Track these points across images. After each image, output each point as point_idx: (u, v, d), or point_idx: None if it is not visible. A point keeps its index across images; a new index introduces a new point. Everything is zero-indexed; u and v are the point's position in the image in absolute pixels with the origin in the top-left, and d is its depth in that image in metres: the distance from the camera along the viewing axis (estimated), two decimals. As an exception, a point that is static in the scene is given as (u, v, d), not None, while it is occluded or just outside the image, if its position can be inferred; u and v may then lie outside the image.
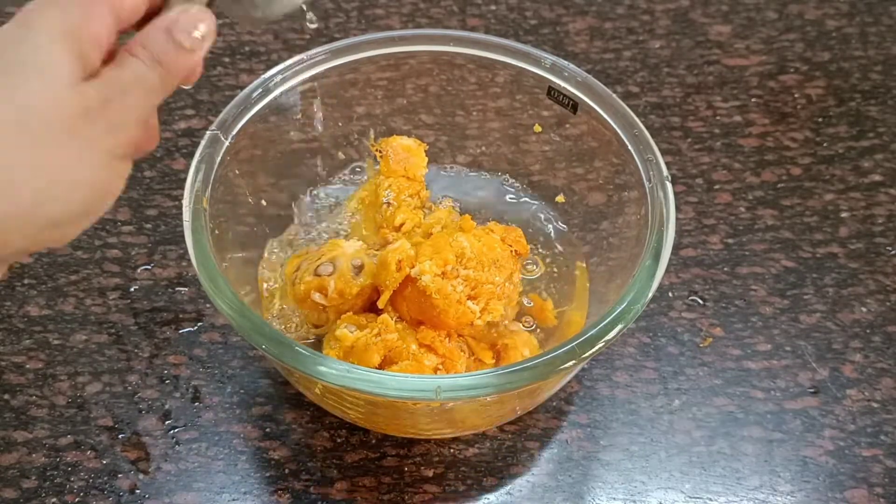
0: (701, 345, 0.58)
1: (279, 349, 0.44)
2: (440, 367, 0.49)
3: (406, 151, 0.56)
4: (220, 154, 0.52)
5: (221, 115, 0.53)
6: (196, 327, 0.58)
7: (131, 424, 0.54)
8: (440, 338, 0.50)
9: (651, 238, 0.49)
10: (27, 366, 0.56)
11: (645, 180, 0.51)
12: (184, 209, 0.49)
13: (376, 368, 0.48)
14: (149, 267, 0.61)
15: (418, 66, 0.59)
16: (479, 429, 0.53)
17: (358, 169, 0.61)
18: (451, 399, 0.43)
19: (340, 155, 0.61)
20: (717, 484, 0.52)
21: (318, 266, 0.52)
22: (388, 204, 0.56)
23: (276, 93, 0.55)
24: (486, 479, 0.52)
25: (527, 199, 0.61)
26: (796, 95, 0.71)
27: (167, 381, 0.56)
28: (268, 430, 0.54)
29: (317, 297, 0.51)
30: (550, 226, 0.59)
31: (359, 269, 0.52)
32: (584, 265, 0.57)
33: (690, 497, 0.52)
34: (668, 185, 0.50)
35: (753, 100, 0.71)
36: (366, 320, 0.51)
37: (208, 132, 0.52)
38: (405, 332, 0.50)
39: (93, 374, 0.56)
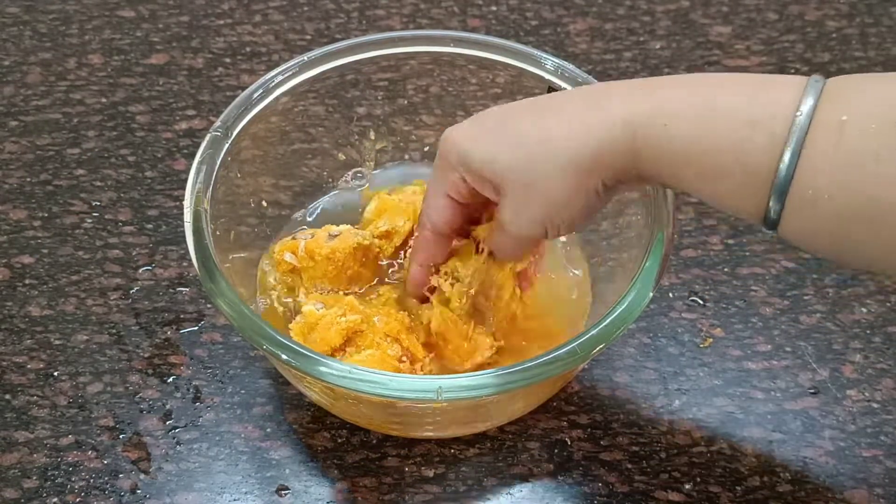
0: (701, 345, 0.58)
1: (279, 349, 0.45)
2: (404, 358, 0.50)
3: None
4: (221, 155, 0.52)
5: (222, 116, 0.53)
6: (197, 327, 0.58)
7: (132, 424, 0.54)
8: (406, 331, 0.50)
9: (651, 238, 0.49)
10: (28, 366, 0.56)
11: (645, 181, 0.51)
12: (185, 210, 0.49)
13: (336, 348, 0.49)
14: (150, 267, 0.61)
15: (419, 67, 0.59)
16: (479, 429, 0.53)
17: (359, 175, 0.61)
18: (452, 399, 0.43)
19: (341, 156, 0.61)
20: (717, 484, 0.52)
21: (297, 233, 0.54)
22: None
23: (277, 93, 0.55)
24: (486, 480, 0.53)
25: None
26: (796, 96, 0.71)
27: (168, 382, 0.56)
28: (269, 430, 0.54)
29: (288, 256, 0.53)
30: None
31: (334, 236, 0.53)
32: (586, 265, 0.57)
33: (690, 497, 0.52)
34: (669, 186, 0.50)
35: (754, 100, 0.71)
36: (333, 300, 0.51)
37: (209, 133, 0.53)
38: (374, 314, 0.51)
39: (94, 374, 0.56)
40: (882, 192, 0.37)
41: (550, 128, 0.42)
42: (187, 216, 0.49)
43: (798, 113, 0.38)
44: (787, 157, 0.38)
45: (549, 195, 0.43)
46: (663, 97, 0.41)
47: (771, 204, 0.39)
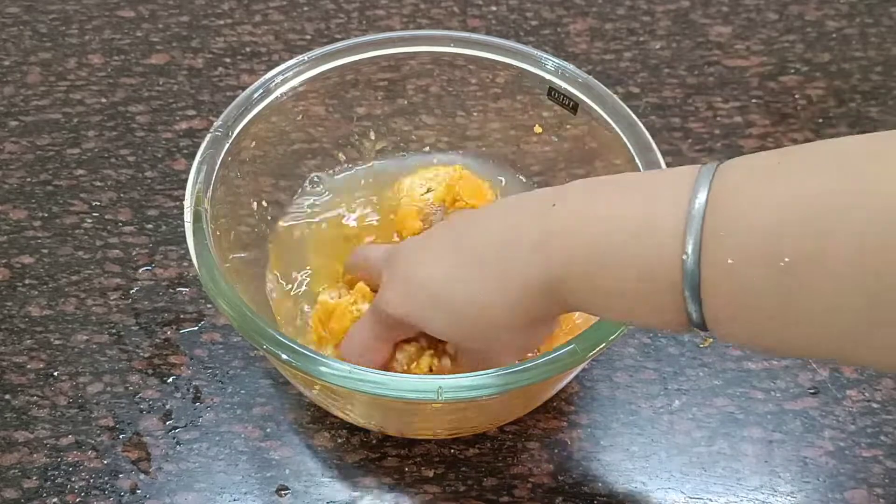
0: (701, 345, 0.58)
1: (279, 349, 0.45)
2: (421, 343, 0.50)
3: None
4: (221, 155, 0.52)
5: (222, 116, 0.53)
6: (197, 327, 0.58)
7: (132, 424, 0.54)
8: None
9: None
10: (28, 366, 0.56)
11: (645, 181, 0.51)
12: (185, 210, 0.49)
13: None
14: (150, 267, 0.61)
15: (419, 67, 0.59)
16: (479, 429, 0.53)
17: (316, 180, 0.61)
18: (452, 400, 0.43)
19: (341, 156, 0.61)
20: (718, 484, 0.52)
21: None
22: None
23: (277, 93, 0.55)
24: (486, 480, 0.53)
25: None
26: (797, 96, 0.71)
27: (168, 382, 0.56)
28: (269, 430, 0.54)
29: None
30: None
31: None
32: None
33: (691, 498, 0.52)
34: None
35: (754, 101, 0.71)
36: (348, 290, 0.52)
37: (209, 133, 0.53)
38: None
39: (94, 374, 0.56)
40: (775, 328, 0.35)
41: (477, 297, 0.43)
42: (187, 216, 0.49)
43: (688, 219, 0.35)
44: (689, 248, 0.35)
45: (507, 348, 0.45)
46: (558, 254, 0.40)
47: (689, 304, 0.36)
